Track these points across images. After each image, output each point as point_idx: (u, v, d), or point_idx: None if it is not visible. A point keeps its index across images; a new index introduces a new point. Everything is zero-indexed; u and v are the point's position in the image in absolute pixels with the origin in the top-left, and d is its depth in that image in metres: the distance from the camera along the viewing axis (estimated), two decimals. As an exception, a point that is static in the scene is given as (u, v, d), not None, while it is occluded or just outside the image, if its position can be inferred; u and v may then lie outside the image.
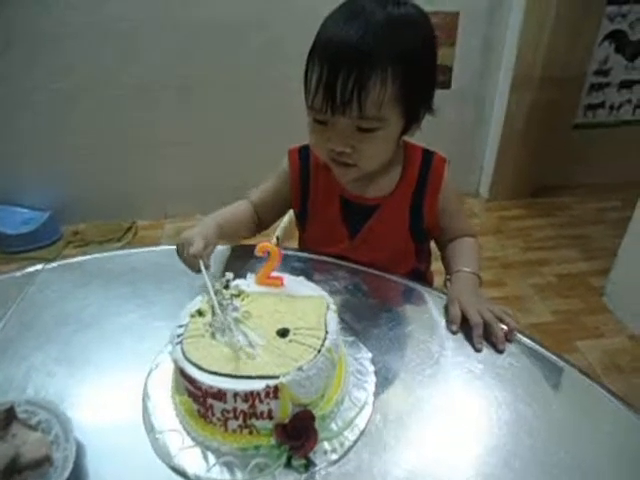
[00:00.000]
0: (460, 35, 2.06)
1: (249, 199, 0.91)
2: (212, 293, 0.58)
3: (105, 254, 0.86)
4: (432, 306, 0.75)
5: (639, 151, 2.41)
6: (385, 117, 0.70)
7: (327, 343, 0.54)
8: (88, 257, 0.85)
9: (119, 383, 0.62)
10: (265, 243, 0.61)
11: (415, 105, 0.73)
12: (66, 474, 0.49)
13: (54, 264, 0.83)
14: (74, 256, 0.84)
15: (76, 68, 2.02)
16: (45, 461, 0.50)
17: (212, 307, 0.58)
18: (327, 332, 0.55)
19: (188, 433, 0.54)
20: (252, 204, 0.90)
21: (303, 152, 0.88)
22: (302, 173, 0.88)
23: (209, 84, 2.13)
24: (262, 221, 0.93)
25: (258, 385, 0.49)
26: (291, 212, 1.04)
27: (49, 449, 0.51)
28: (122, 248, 0.88)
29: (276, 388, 0.49)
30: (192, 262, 0.67)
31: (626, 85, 2.33)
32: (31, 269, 0.80)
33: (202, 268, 0.63)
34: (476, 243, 0.89)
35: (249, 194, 0.92)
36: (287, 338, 0.54)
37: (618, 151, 2.44)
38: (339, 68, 0.66)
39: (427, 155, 0.86)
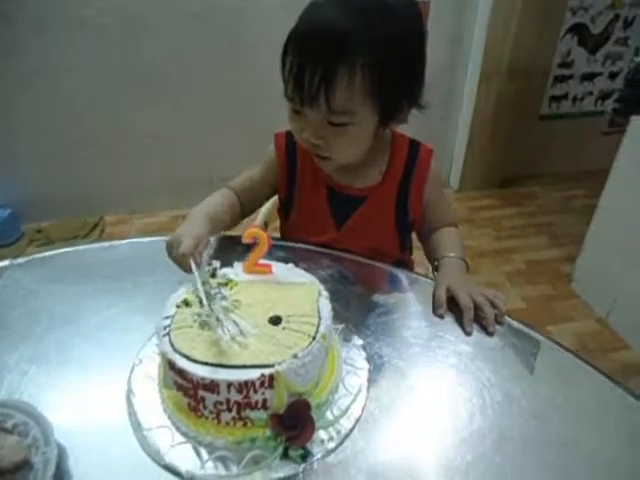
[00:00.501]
0: (430, 26, 2.06)
1: (230, 187, 0.87)
2: (201, 291, 0.55)
3: (77, 248, 0.81)
4: (419, 291, 0.75)
5: (601, 141, 2.49)
6: (355, 111, 0.68)
7: (321, 329, 0.53)
8: (58, 251, 0.80)
9: (100, 381, 0.59)
10: (253, 229, 0.59)
11: (392, 99, 0.71)
12: (48, 479, 0.46)
13: (22, 260, 0.78)
14: (43, 251, 0.79)
15: (37, 60, 1.92)
16: (24, 465, 0.47)
17: (200, 301, 0.55)
18: (320, 318, 0.54)
19: (178, 429, 0.52)
20: (234, 192, 0.86)
21: (290, 137, 0.85)
22: (289, 158, 0.86)
23: (177, 76, 2.06)
24: (246, 209, 0.90)
25: (253, 374, 0.47)
26: (274, 198, 1.02)
27: (27, 453, 0.48)
28: (92, 242, 0.84)
29: (271, 377, 0.48)
30: (182, 261, 0.62)
31: (588, 77, 2.40)
32: (-2, 265, 0.76)
33: (193, 267, 0.59)
34: (458, 231, 0.89)
35: (230, 183, 0.88)
36: (280, 326, 0.53)
37: (581, 141, 2.52)
38: (306, 61, 0.64)
39: (414, 146, 0.85)
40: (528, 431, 0.54)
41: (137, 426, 0.53)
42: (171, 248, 0.66)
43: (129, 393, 0.56)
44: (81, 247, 0.82)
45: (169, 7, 1.93)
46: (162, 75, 2.05)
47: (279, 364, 0.48)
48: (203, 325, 0.53)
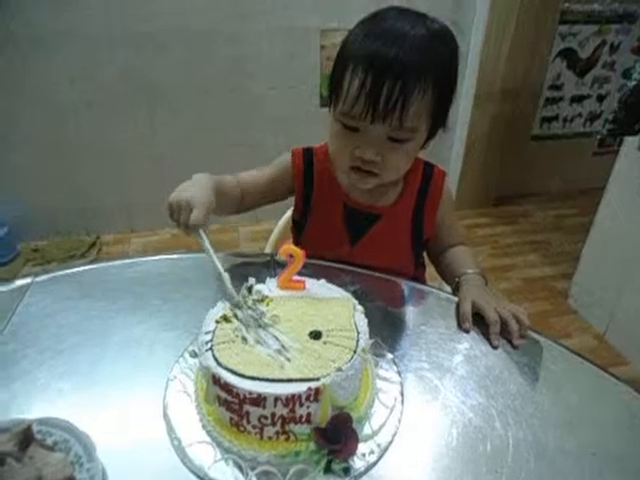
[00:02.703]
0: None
1: (235, 176, 0.86)
2: (217, 262, 0.60)
3: (99, 265, 0.82)
4: (440, 306, 0.77)
5: (591, 161, 2.57)
6: (419, 128, 0.72)
7: (361, 343, 0.53)
8: (81, 269, 0.80)
9: (134, 397, 0.59)
10: (289, 245, 0.60)
11: (440, 118, 0.75)
12: (93, 495, 0.46)
13: (44, 277, 0.78)
14: (68, 267, 0.79)
15: (34, 76, 1.93)
16: (69, 483, 0.46)
17: (225, 291, 0.58)
18: (359, 332, 0.55)
19: (219, 444, 0.52)
20: (239, 183, 0.85)
21: (307, 156, 0.87)
22: (306, 177, 0.87)
23: (178, 95, 2.09)
24: (245, 201, 0.87)
25: (300, 388, 0.48)
26: (285, 217, 1.04)
27: (72, 470, 0.47)
28: (94, 262, 0.84)
29: (317, 390, 0.48)
30: (192, 230, 0.64)
31: (577, 100, 2.49)
32: (20, 282, 0.75)
33: (204, 239, 0.62)
34: (469, 249, 0.92)
35: (237, 173, 0.87)
36: (321, 340, 0.54)
37: (572, 161, 2.59)
38: (385, 78, 0.66)
39: (428, 168, 0.88)
40: (562, 441, 0.55)
41: (177, 443, 0.52)
42: (178, 211, 0.66)
43: (165, 409, 0.56)
44: (103, 264, 0.82)
45: (172, 28, 1.97)
46: (162, 93, 2.08)
47: (324, 377, 0.49)
48: (245, 340, 0.53)
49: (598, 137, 1.67)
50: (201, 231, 0.64)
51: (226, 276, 0.60)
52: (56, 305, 0.71)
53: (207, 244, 0.63)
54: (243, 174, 0.87)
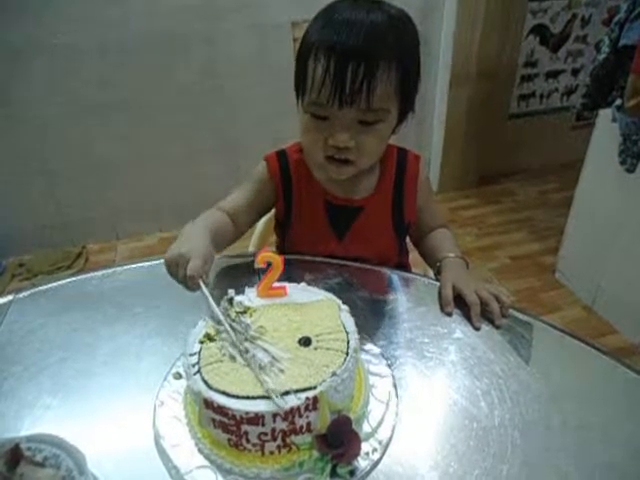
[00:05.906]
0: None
1: (220, 208, 0.84)
2: (217, 311, 0.56)
3: (80, 277, 0.81)
4: (423, 292, 0.78)
5: (570, 135, 2.59)
6: (388, 109, 0.72)
7: (352, 344, 0.53)
8: (62, 282, 0.80)
9: (125, 407, 0.59)
10: (266, 253, 0.58)
11: (408, 100, 0.75)
12: (87, 508, 0.46)
13: (25, 293, 0.77)
14: (49, 282, 0.78)
15: (10, 86, 1.91)
16: (62, 498, 0.47)
17: (219, 325, 0.55)
18: (348, 333, 0.54)
19: (219, 467, 0.50)
20: (226, 213, 0.83)
21: (282, 158, 0.86)
22: (284, 180, 0.86)
23: (154, 101, 2.07)
24: (239, 229, 0.87)
25: (297, 400, 0.47)
26: (263, 220, 1.03)
27: (64, 485, 0.48)
28: (76, 274, 0.83)
29: (315, 399, 0.47)
30: (191, 282, 0.60)
31: (552, 75, 2.50)
32: (1, 301, 0.75)
33: (203, 289, 0.59)
34: (450, 232, 0.93)
35: (220, 204, 0.85)
36: (311, 346, 0.52)
37: (551, 136, 2.61)
38: (348, 60, 0.67)
39: (401, 153, 0.88)
40: (546, 416, 0.56)
41: (175, 471, 0.51)
42: (175, 267, 0.63)
43: (158, 438, 0.54)
44: (84, 276, 0.81)
45: (141, 34, 1.94)
46: (139, 99, 2.05)
47: (320, 384, 0.48)
48: (233, 358, 0.52)
49: (574, 111, 1.68)
50: (200, 282, 0.60)
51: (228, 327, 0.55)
52: (39, 321, 0.71)
53: (207, 295, 0.58)
54: (226, 202, 0.85)
